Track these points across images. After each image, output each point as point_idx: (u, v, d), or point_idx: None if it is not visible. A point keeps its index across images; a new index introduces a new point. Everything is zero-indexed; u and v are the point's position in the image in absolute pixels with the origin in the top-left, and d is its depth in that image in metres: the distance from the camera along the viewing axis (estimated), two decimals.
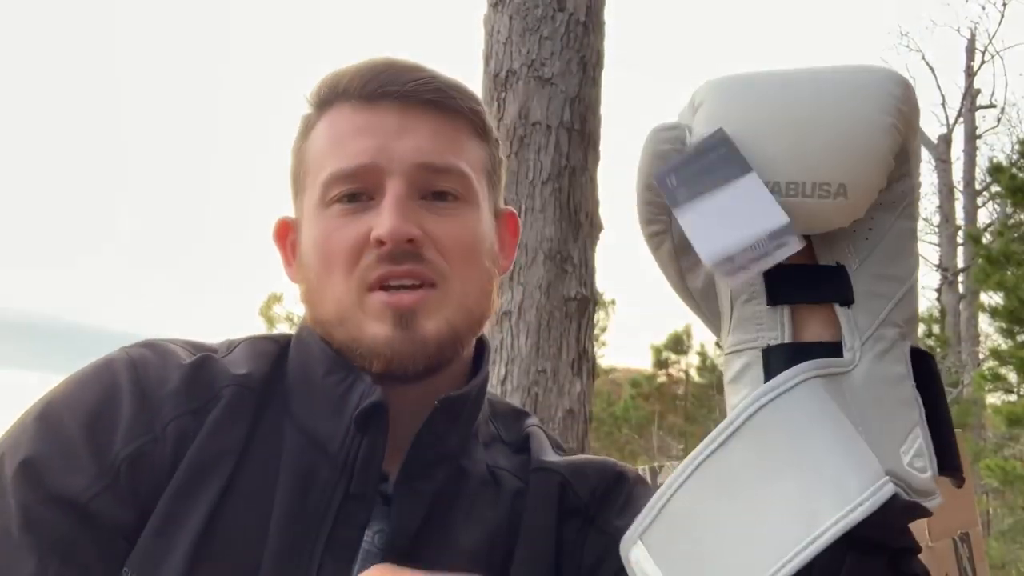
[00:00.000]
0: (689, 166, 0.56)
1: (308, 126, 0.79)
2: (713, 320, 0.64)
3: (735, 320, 0.60)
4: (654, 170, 0.58)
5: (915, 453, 0.55)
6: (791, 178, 0.54)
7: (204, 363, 0.74)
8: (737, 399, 0.58)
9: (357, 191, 0.73)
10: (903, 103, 0.54)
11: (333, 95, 0.76)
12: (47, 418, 0.69)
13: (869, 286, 0.57)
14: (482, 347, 0.82)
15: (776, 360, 0.56)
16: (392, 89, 0.74)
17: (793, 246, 0.54)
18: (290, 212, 0.83)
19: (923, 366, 0.58)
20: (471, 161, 0.77)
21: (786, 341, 0.57)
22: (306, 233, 0.76)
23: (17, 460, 0.66)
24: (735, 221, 0.54)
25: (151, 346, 0.76)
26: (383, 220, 0.70)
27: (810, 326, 0.57)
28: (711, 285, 0.63)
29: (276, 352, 0.79)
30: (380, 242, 0.70)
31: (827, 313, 0.57)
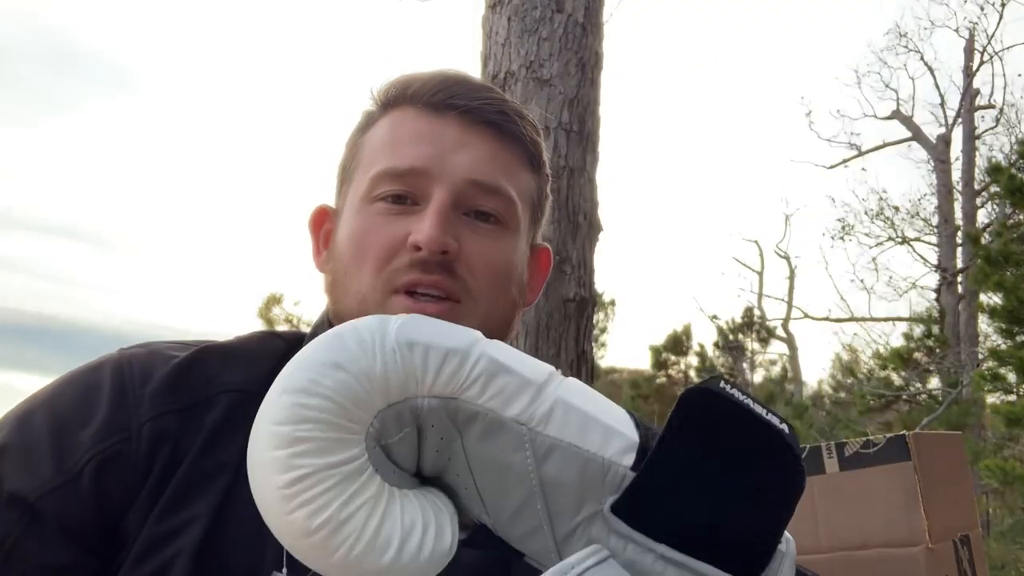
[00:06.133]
0: None
1: (369, 122, 0.79)
2: None
3: None
4: None
5: None
6: None
7: (194, 362, 0.74)
8: None
9: (403, 193, 0.73)
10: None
11: (400, 97, 0.77)
12: (23, 416, 0.69)
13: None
14: None
15: None
16: (459, 103, 0.74)
17: None
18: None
19: None
20: (520, 190, 0.77)
21: None
22: (344, 224, 0.76)
23: None
24: None
25: (143, 345, 0.76)
26: (423, 226, 0.70)
27: None
28: None
29: (283, 351, 0.77)
30: (416, 247, 0.70)
31: None
